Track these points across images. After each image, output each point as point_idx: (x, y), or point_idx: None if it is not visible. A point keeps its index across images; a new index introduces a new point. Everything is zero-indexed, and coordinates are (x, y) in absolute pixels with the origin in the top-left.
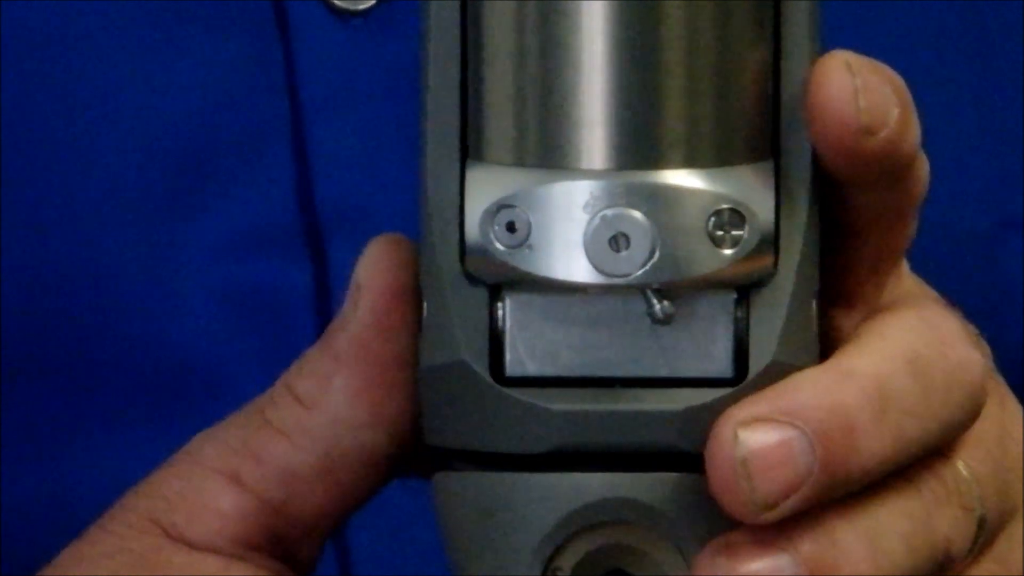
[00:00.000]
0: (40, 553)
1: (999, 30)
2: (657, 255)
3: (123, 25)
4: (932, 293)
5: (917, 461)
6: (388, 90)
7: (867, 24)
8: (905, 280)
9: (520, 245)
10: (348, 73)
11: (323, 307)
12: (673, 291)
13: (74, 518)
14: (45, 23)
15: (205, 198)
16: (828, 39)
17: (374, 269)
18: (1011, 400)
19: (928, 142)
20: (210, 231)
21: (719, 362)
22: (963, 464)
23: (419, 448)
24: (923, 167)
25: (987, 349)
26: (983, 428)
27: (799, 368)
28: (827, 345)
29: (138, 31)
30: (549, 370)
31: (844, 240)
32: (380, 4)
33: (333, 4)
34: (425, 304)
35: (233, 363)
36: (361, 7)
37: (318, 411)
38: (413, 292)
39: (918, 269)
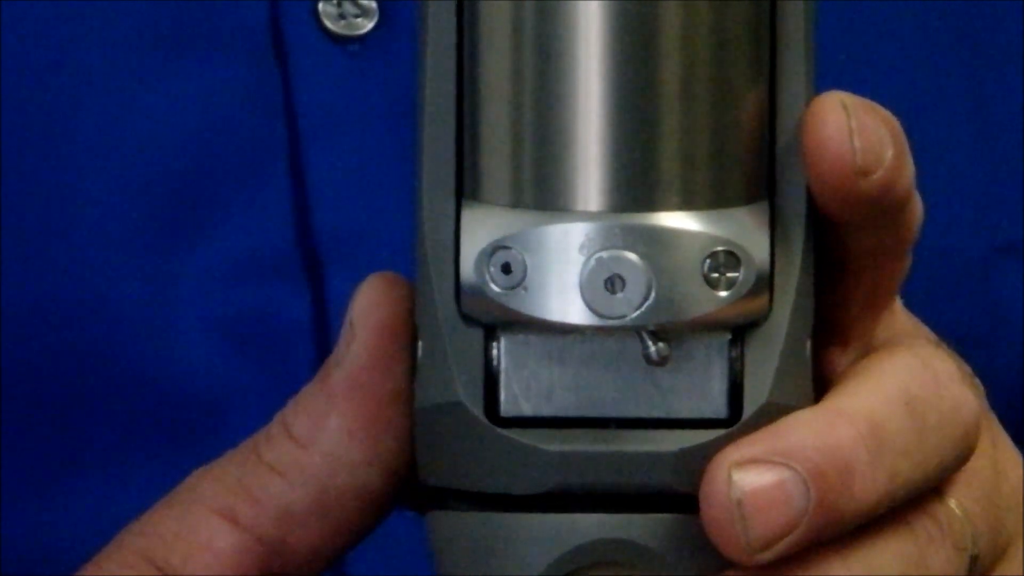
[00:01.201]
0: None
1: (994, 55)
2: (653, 297)
3: (119, 51)
4: (926, 331)
5: (911, 501)
6: (385, 115)
7: (861, 52)
8: (899, 318)
9: (516, 286)
10: (345, 99)
11: (322, 334)
12: (668, 332)
13: (71, 554)
14: (40, 49)
15: (202, 225)
16: (823, 70)
17: (368, 307)
18: (1003, 438)
19: (923, 168)
20: (207, 259)
21: (714, 403)
22: (956, 503)
23: (414, 486)
24: (917, 207)
25: (980, 388)
26: (976, 466)
27: (794, 409)
28: (821, 384)
29: (135, 57)
30: (544, 410)
31: (838, 279)
32: (377, 29)
33: (330, 30)
34: (420, 343)
35: (231, 392)
36: (358, 32)
37: (314, 450)
38: (408, 329)
39: (913, 295)
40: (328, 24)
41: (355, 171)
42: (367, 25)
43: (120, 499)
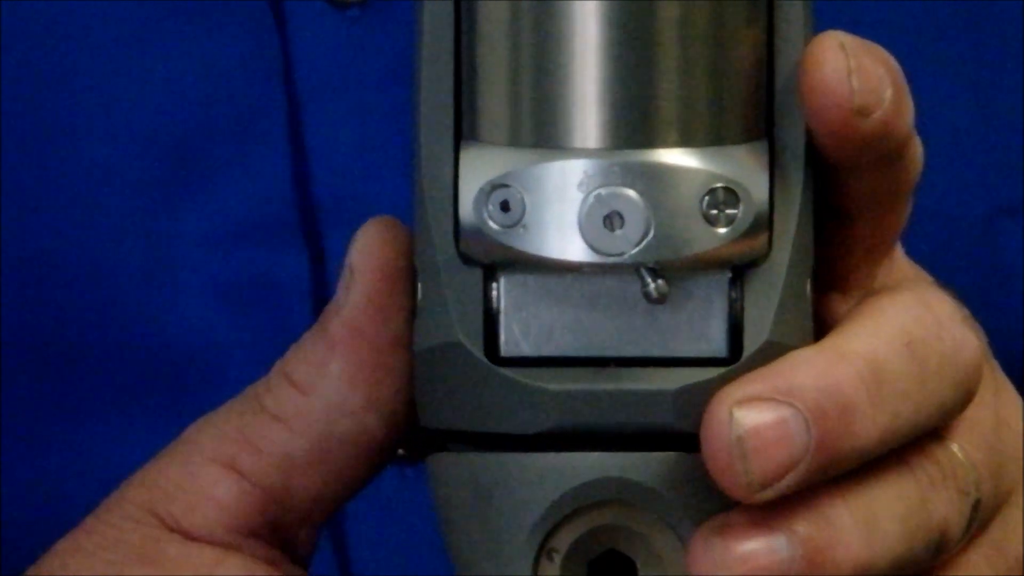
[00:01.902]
0: (37, 542)
1: (995, 15)
2: (651, 234)
3: (119, 16)
4: (927, 276)
5: (912, 444)
6: (384, 80)
7: (862, 8)
8: (900, 264)
9: (514, 225)
10: (344, 63)
11: (319, 296)
12: (668, 270)
13: (71, 507)
14: (40, 16)
15: (201, 187)
16: (822, 21)
17: (367, 252)
18: (1006, 386)
19: (924, 129)
20: (206, 220)
21: (714, 342)
22: (958, 447)
23: (414, 430)
24: (916, 149)
25: (982, 332)
26: (978, 413)
27: (794, 348)
28: (822, 330)
29: (134, 22)
30: (544, 350)
31: (838, 224)
32: None
33: None
34: (420, 286)
35: (229, 352)
36: None
37: (314, 396)
38: (407, 275)
39: (915, 256)
40: None
41: (354, 134)
42: None
43: (120, 452)
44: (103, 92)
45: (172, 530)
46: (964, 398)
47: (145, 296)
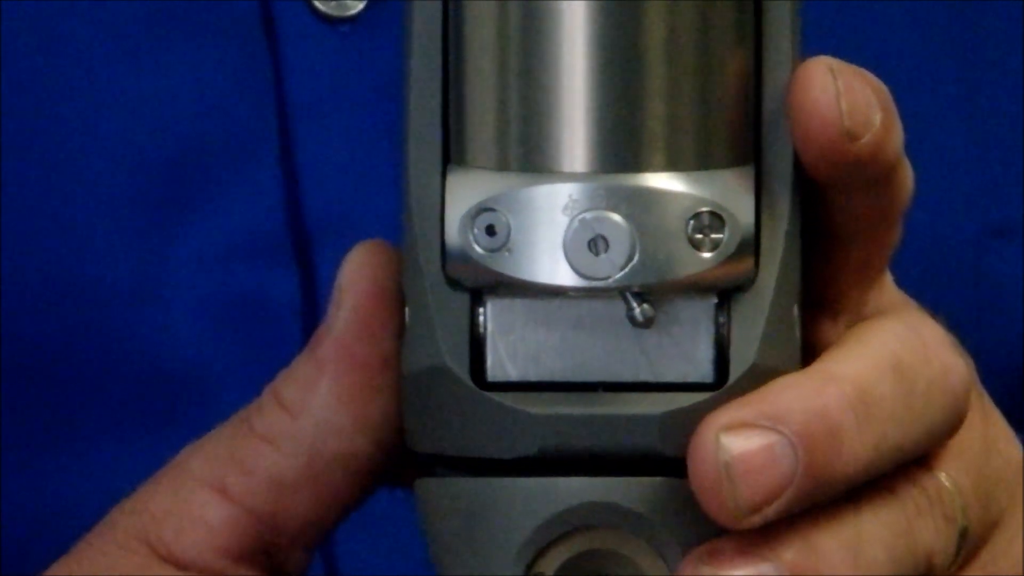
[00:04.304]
0: (27, 565)
1: (987, 34)
2: (636, 258)
3: (109, 33)
4: (914, 304)
5: (899, 472)
6: (376, 97)
7: (851, 28)
8: (889, 290)
9: (500, 248)
10: (336, 80)
11: (310, 315)
12: (653, 294)
13: (61, 529)
14: (28, 36)
15: (192, 206)
16: (811, 43)
17: (357, 273)
18: (994, 412)
19: (914, 149)
20: (197, 240)
21: (700, 366)
22: (945, 475)
23: (403, 453)
24: (907, 173)
25: (970, 358)
26: (966, 439)
27: (781, 372)
28: (810, 355)
29: (126, 39)
30: (530, 374)
31: (828, 248)
32: (368, 10)
33: (320, 10)
34: (407, 309)
35: (220, 372)
36: (349, 13)
37: (304, 418)
38: (396, 296)
39: (905, 277)
40: (319, 5)
41: (345, 152)
42: (358, 6)
43: (110, 475)
44: (93, 112)
45: (162, 558)
46: (952, 423)
47: (135, 316)
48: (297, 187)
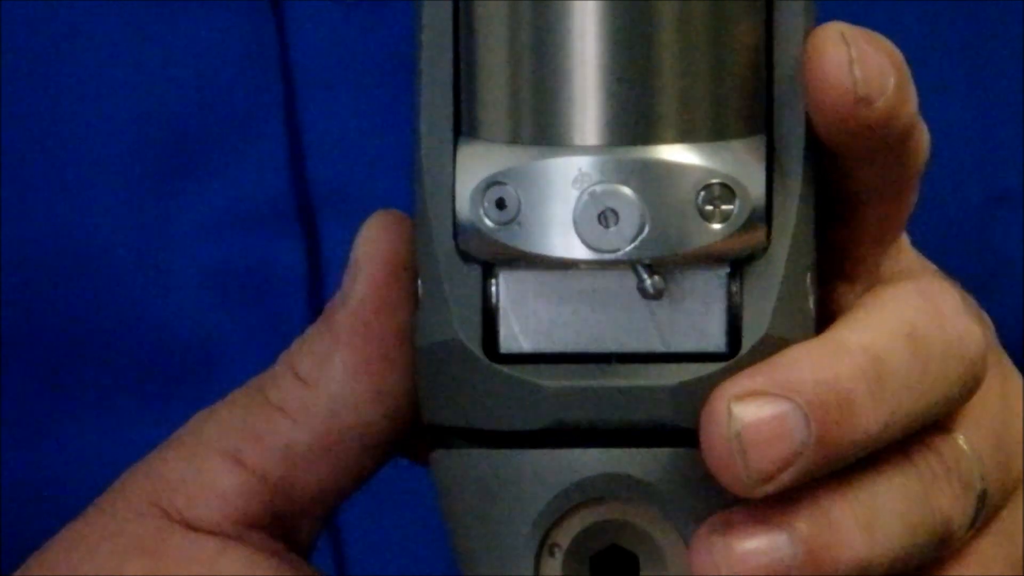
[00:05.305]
0: (33, 534)
1: (993, 5)
2: (646, 230)
3: (115, 5)
4: (932, 267)
5: (915, 437)
6: (382, 69)
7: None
8: (906, 254)
9: (510, 222)
10: (343, 51)
11: (314, 285)
12: (664, 266)
13: (68, 497)
14: (34, 7)
15: (197, 175)
16: (821, 13)
17: (372, 245)
18: (1013, 375)
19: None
20: (202, 208)
21: (712, 337)
22: (963, 439)
23: (417, 426)
24: (922, 137)
25: (989, 322)
26: (984, 402)
27: (793, 342)
28: (826, 320)
29: (131, 8)
30: (543, 346)
31: (844, 214)
32: None
33: None
34: (420, 282)
35: (224, 341)
36: None
37: (318, 389)
38: (411, 268)
39: (912, 244)
40: None
41: (351, 123)
42: None
43: (116, 441)
44: (98, 82)
45: (175, 521)
46: (968, 389)
47: (140, 285)
48: (302, 156)
